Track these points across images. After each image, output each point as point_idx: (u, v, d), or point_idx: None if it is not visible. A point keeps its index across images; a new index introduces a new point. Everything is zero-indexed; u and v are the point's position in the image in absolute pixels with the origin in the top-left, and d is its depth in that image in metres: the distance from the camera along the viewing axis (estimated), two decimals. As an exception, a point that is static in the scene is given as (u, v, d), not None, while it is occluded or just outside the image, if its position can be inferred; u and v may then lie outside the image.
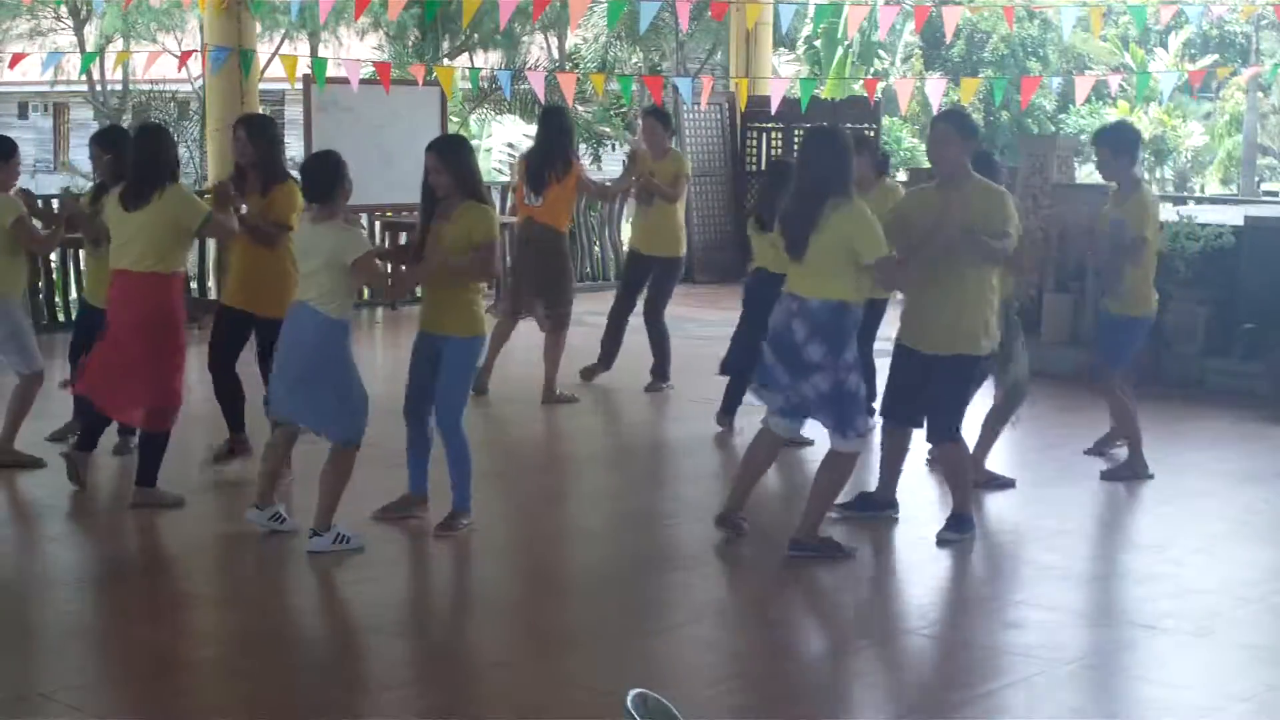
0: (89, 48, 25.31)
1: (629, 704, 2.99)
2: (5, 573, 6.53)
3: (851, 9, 21.87)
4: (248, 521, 6.74)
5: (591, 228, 15.94)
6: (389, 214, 13.67)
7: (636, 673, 5.08)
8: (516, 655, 5.59)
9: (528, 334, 10.23)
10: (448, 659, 5.61)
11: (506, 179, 22.46)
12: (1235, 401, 9.89)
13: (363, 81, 13.90)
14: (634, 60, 27.61)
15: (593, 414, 9.64)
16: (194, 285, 13.35)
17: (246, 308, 7.65)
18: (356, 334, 7.21)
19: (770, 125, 16.82)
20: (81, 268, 9.55)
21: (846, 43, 30.08)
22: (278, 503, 6.79)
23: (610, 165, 26.49)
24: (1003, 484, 7.79)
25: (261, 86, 15.22)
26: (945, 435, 6.88)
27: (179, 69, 19.74)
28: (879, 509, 7.15)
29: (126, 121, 24.40)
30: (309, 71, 13.48)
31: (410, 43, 25.87)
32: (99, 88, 27.19)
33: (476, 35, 25.44)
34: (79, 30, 26.25)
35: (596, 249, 16.06)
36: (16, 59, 16.93)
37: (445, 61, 24.57)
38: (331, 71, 13.92)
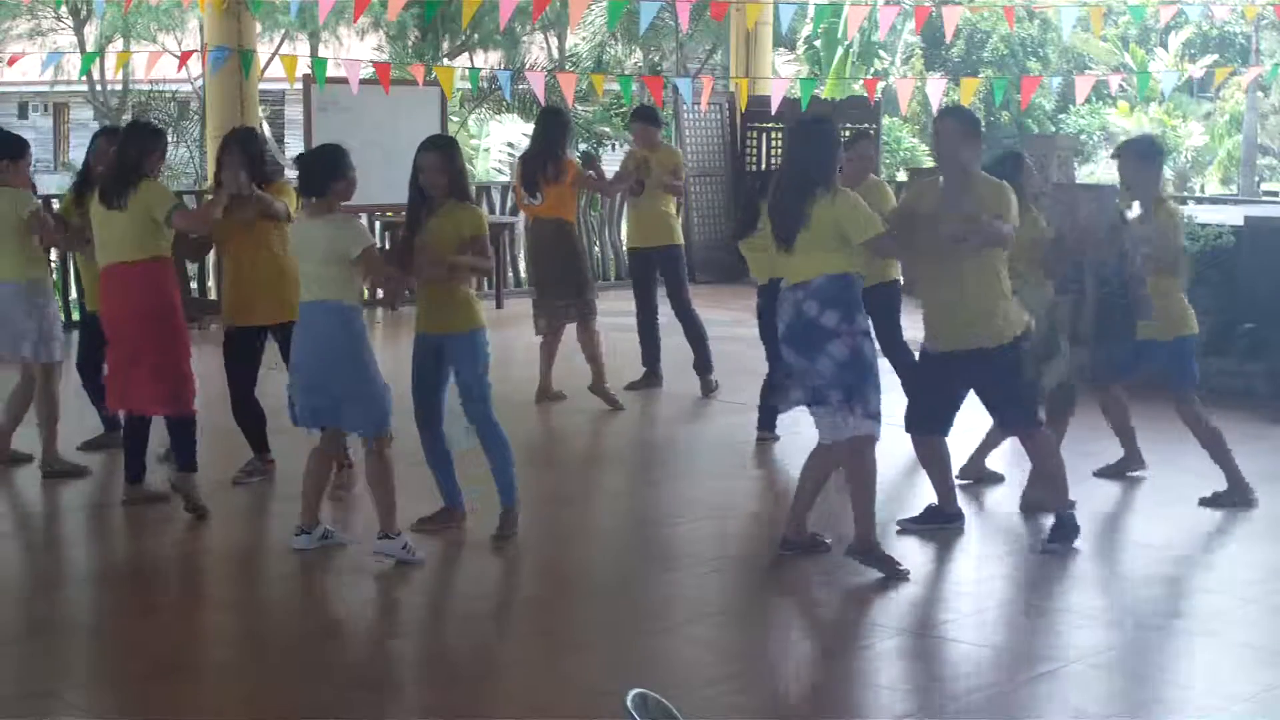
0: (89, 48, 25.29)
1: (629, 704, 2.99)
2: (6, 572, 6.54)
3: (851, 9, 21.87)
4: (294, 549, 6.56)
5: (591, 227, 15.94)
6: (389, 214, 13.66)
7: (636, 673, 5.08)
8: (517, 655, 5.59)
9: (526, 334, 10.25)
10: (448, 659, 5.61)
11: (506, 179, 22.46)
12: (1235, 401, 9.87)
13: (363, 82, 13.88)
14: (634, 60, 27.61)
15: (593, 414, 9.64)
16: (194, 285, 13.37)
17: (250, 321, 7.55)
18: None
19: (770, 125, 16.81)
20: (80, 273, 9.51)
21: (846, 43, 30.07)
22: (322, 522, 6.67)
23: (610, 165, 26.43)
24: (993, 479, 7.80)
25: (261, 86, 15.23)
26: (1024, 426, 6.82)
27: (179, 69, 19.73)
28: (947, 520, 7.06)
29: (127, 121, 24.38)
30: (309, 72, 13.48)
31: (410, 43, 25.88)
32: (99, 88, 27.18)
33: (476, 35, 25.44)
34: (79, 30, 26.24)
35: (596, 249, 16.07)
36: (16, 59, 16.94)
37: (445, 61, 24.57)
38: (331, 71, 13.91)
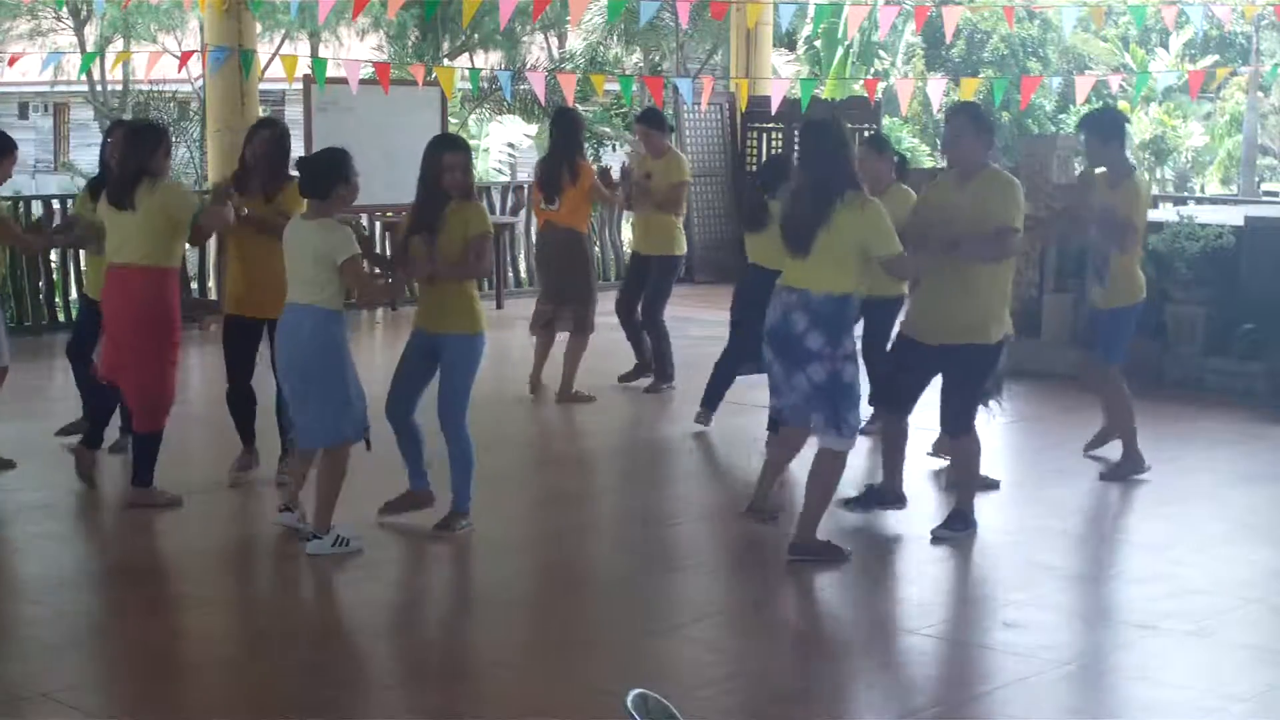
0: (89, 48, 25.27)
1: (629, 704, 2.99)
2: (5, 572, 6.54)
3: (851, 9, 21.84)
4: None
5: (591, 228, 15.92)
6: (390, 214, 13.65)
7: (636, 673, 5.08)
8: (517, 655, 5.59)
9: (525, 335, 10.25)
10: (448, 659, 5.61)
11: (506, 179, 22.47)
12: (1235, 401, 9.88)
13: (363, 82, 13.88)
14: (633, 59, 27.59)
15: (593, 414, 9.64)
16: (194, 285, 13.37)
17: (255, 314, 7.53)
18: (355, 335, 7.22)
19: (770, 125, 16.80)
20: (82, 266, 9.53)
21: (847, 43, 30.04)
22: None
23: (609, 165, 26.42)
24: (988, 484, 7.81)
25: (261, 86, 15.19)
26: (959, 427, 6.87)
27: (179, 69, 19.71)
28: (887, 503, 7.14)
29: (127, 122, 24.31)
30: (309, 72, 13.47)
31: (410, 43, 25.84)
32: (99, 88, 27.16)
33: (476, 35, 25.41)
34: (79, 30, 26.21)
35: (597, 249, 16.06)
36: (16, 59, 16.93)
37: (445, 61, 24.55)
38: (331, 72, 13.91)
